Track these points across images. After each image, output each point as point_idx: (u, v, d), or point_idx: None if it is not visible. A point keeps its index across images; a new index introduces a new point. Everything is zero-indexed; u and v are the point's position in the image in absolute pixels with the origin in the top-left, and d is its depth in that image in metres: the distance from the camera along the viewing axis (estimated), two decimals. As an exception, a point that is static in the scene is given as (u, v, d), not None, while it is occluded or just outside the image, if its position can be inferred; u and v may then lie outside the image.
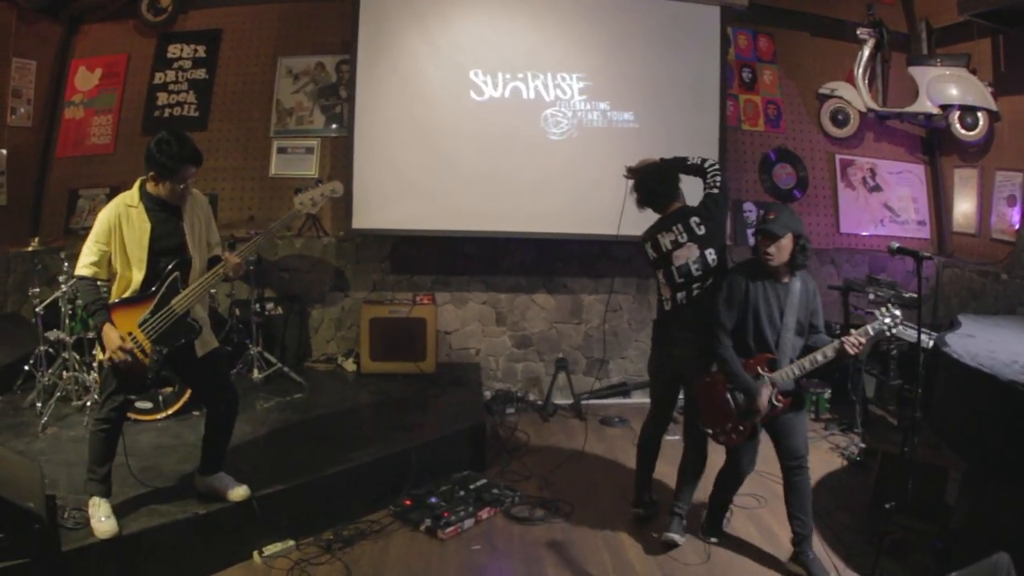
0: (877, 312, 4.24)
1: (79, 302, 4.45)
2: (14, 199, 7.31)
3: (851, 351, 4.16)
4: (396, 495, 5.20)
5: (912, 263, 3.96)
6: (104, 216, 4.06)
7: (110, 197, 7.40)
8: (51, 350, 5.87)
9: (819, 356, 4.25)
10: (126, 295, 4.10)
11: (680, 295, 4.70)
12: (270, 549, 4.50)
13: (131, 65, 7.67)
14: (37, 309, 5.74)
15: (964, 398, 4.30)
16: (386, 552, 4.68)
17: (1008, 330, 5.22)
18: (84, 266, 4.03)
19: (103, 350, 4.04)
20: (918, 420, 4.26)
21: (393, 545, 4.76)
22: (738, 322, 4.40)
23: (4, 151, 7.17)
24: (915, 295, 6.56)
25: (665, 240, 4.72)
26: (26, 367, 6.00)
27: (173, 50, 7.62)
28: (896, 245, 4.13)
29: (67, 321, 5.77)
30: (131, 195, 4.13)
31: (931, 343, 4.90)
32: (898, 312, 4.20)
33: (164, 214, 4.15)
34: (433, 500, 5.19)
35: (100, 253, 4.04)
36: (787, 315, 4.34)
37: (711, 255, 4.65)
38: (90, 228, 4.07)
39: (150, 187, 4.12)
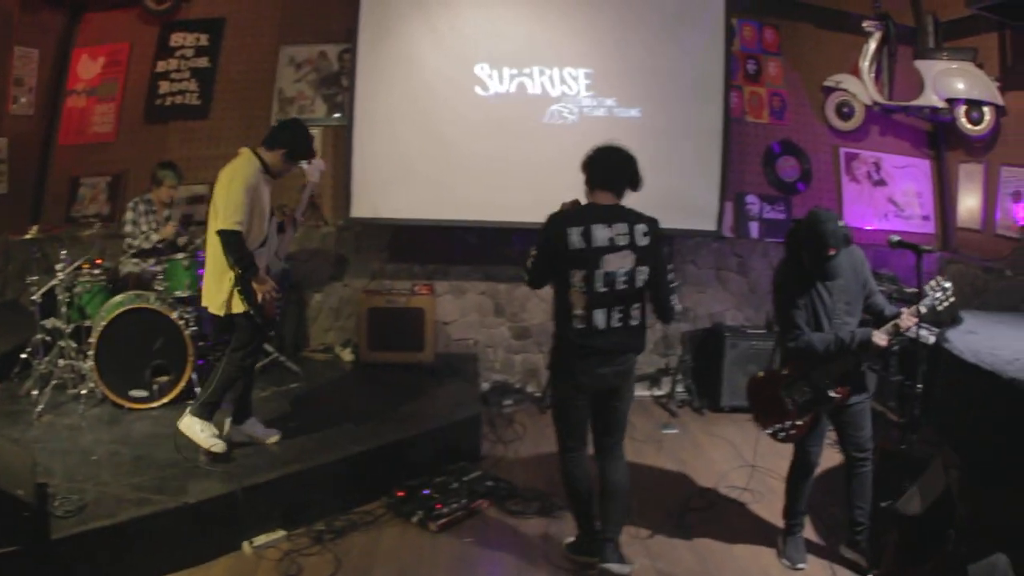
0: (927, 287, 4.02)
1: (231, 258, 4.59)
2: (15, 187, 7.11)
3: (903, 329, 4.01)
4: (390, 486, 5.04)
5: (914, 258, 3.75)
6: (244, 179, 4.53)
7: (112, 186, 7.39)
8: (48, 338, 5.74)
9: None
10: (255, 248, 4.64)
11: (599, 315, 3.91)
12: (261, 539, 4.39)
13: (133, 54, 7.44)
14: (34, 297, 5.61)
15: (964, 396, 4.15)
16: (377, 544, 4.54)
17: (1011, 327, 5.03)
18: (237, 222, 4.47)
19: (251, 300, 4.60)
20: (917, 417, 4.08)
21: (385, 537, 4.62)
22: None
23: (5, 139, 6.96)
24: (916, 290, 6.36)
25: (600, 234, 3.89)
26: (23, 355, 5.88)
27: (176, 39, 7.39)
28: (896, 238, 3.99)
29: (64, 309, 5.64)
30: (255, 162, 4.66)
31: (932, 339, 4.70)
32: (948, 284, 4.01)
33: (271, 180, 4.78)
34: (426, 492, 5.03)
35: (247, 212, 4.53)
36: (836, 297, 4.11)
37: (642, 275, 3.93)
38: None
39: (268, 158, 4.70)
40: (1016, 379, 3.66)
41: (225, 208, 4.48)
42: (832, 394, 4.14)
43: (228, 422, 4.98)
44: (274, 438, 5.02)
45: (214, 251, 4.61)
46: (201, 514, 4.18)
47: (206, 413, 4.73)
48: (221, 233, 4.48)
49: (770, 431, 4.36)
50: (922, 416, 5.77)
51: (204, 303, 4.83)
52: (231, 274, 4.57)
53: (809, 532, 4.68)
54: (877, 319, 4.24)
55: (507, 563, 4.43)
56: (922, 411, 5.80)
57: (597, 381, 4.02)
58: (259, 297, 4.63)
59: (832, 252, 3.92)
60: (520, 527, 4.84)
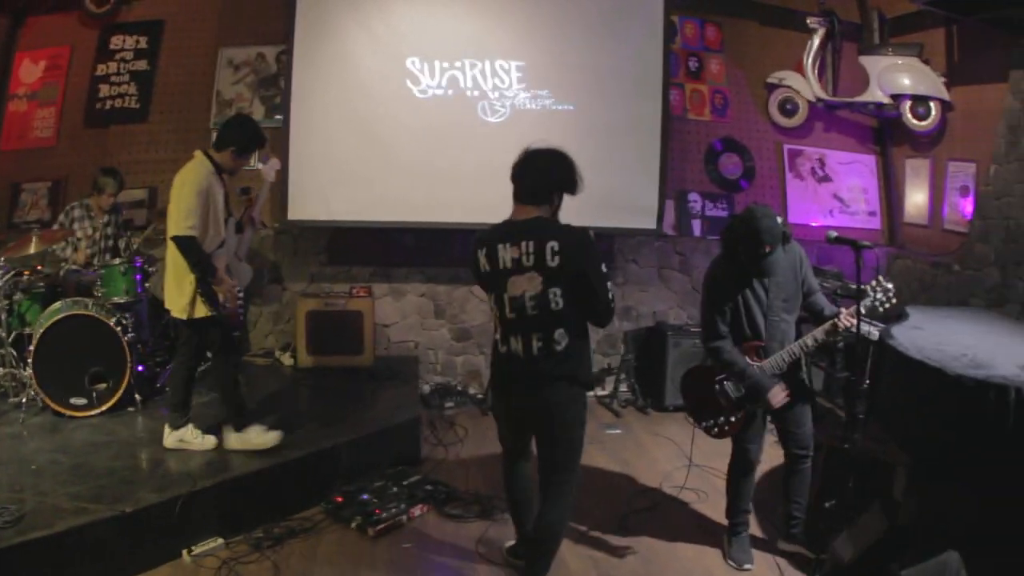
0: (868, 287, 4.03)
1: (188, 262, 4.62)
2: (-45, 194, 6.99)
3: (841, 328, 4.04)
4: (328, 492, 4.94)
5: (864, 254, 3.69)
6: (195, 183, 4.54)
7: (52, 191, 7.26)
8: None
9: (809, 340, 4.07)
10: (212, 250, 4.68)
11: (514, 341, 3.61)
12: (199, 547, 4.30)
13: (74, 57, 7.32)
14: None
15: (910, 392, 4.03)
16: (316, 550, 4.45)
17: (958, 322, 4.95)
18: (190, 227, 4.49)
19: (212, 302, 4.62)
20: (862, 415, 4.00)
21: (323, 543, 4.53)
22: (731, 318, 4.15)
23: (-55, 146, 6.84)
24: (856, 286, 6.30)
25: (504, 254, 3.58)
26: None
27: (115, 41, 7.28)
28: (834, 234, 3.88)
29: (4, 316, 5.52)
30: (207, 164, 4.67)
31: (877, 335, 4.64)
32: (890, 286, 4.04)
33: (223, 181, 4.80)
34: (365, 496, 4.93)
35: (200, 215, 4.53)
36: (773, 295, 4.09)
37: (556, 297, 3.51)
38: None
39: (219, 158, 4.70)
40: (963, 376, 3.57)
41: (177, 213, 4.51)
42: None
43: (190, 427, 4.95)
44: (212, 442, 4.95)
45: (173, 256, 4.61)
46: (138, 523, 4.09)
47: (239, 423, 4.88)
48: (175, 239, 4.51)
49: (703, 426, 4.33)
50: (867, 413, 5.73)
51: (167, 307, 4.82)
52: (191, 277, 4.58)
53: (756, 531, 4.62)
54: (816, 318, 4.22)
55: (446, 568, 4.35)
56: (867, 408, 5.76)
57: (522, 411, 3.76)
58: (220, 298, 4.68)
59: (768, 249, 3.86)
60: (460, 531, 4.75)
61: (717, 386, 4.22)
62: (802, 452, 4.26)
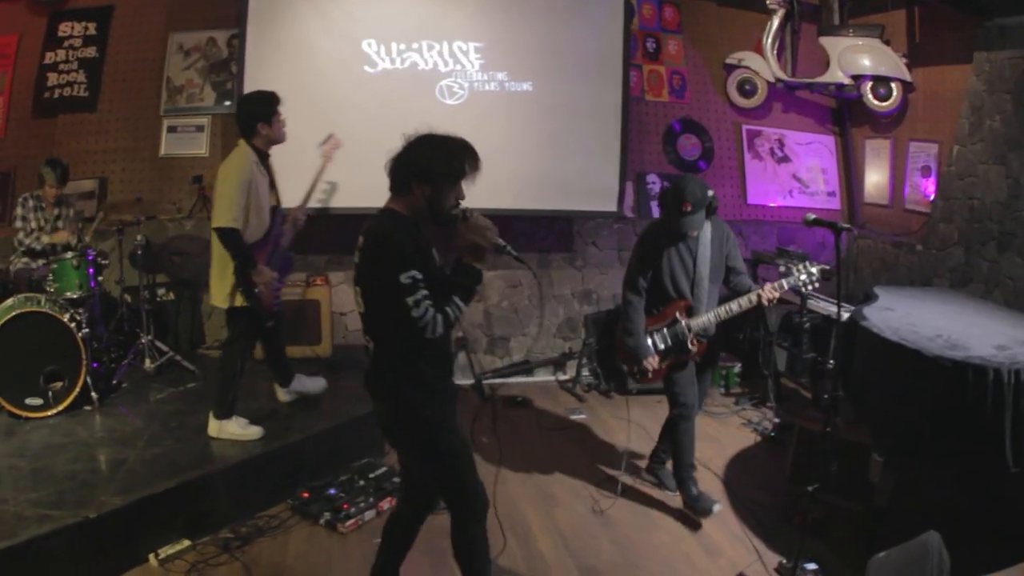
0: (794, 268, 4.37)
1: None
2: (-99, 188, 6.69)
3: (765, 302, 4.31)
4: (293, 487, 4.78)
5: (823, 234, 3.58)
6: (238, 175, 4.55)
7: (0, 184, 6.97)
8: None
9: (734, 306, 4.39)
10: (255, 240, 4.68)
11: (368, 346, 3.24)
12: (166, 551, 4.12)
13: (22, 45, 7.02)
14: None
15: (886, 374, 3.99)
16: (285, 548, 4.29)
17: (926, 303, 4.91)
18: (233, 219, 4.49)
19: (249, 294, 4.63)
20: (839, 397, 3.93)
21: (292, 541, 4.36)
22: (656, 277, 4.45)
23: None
24: (826, 267, 6.21)
25: (356, 254, 3.16)
26: None
27: (64, 28, 7.00)
28: (812, 216, 3.87)
29: None
30: (250, 155, 4.65)
31: (847, 316, 4.60)
32: (815, 269, 4.34)
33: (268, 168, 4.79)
34: (332, 491, 4.79)
35: (242, 207, 4.54)
36: (699, 265, 4.40)
37: (358, 297, 3.15)
38: None
39: (258, 143, 4.68)
40: (940, 357, 3.57)
41: (219, 205, 4.54)
42: (690, 345, 4.44)
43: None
44: (321, 384, 5.47)
45: (217, 245, 4.64)
46: (103, 528, 3.91)
47: (226, 411, 4.83)
48: (217, 231, 4.55)
49: (630, 371, 4.62)
50: (832, 394, 5.61)
51: (211, 295, 4.85)
52: (233, 267, 4.61)
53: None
54: (732, 294, 4.53)
55: (419, 561, 4.15)
56: (832, 388, 5.64)
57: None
58: (258, 289, 4.66)
59: (688, 207, 4.14)
60: (429, 523, 4.50)
61: (648, 337, 4.47)
62: (683, 409, 4.56)
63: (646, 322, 4.49)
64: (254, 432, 4.84)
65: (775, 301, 4.29)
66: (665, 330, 4.46)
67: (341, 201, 6.58)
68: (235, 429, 4.82)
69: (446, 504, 3.31)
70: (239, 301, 4.70)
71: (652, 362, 4.44)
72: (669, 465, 4.91)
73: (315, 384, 5.46)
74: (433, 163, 3.00)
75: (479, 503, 3.27)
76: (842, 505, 4.42)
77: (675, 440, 4.61)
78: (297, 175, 6.44)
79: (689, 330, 4.40)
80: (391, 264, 2.89)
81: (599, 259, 7.16)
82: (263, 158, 4.76)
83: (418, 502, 3.52)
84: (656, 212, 7.07)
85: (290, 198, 6.48)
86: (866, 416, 4.42)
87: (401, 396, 3.10)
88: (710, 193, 4.23)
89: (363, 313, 3.13)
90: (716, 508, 4.48)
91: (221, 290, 4.72)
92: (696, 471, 4.66)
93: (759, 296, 4.29)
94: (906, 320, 4.24)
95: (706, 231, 4.37)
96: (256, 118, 4.64)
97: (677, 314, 4.43)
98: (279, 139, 4.76)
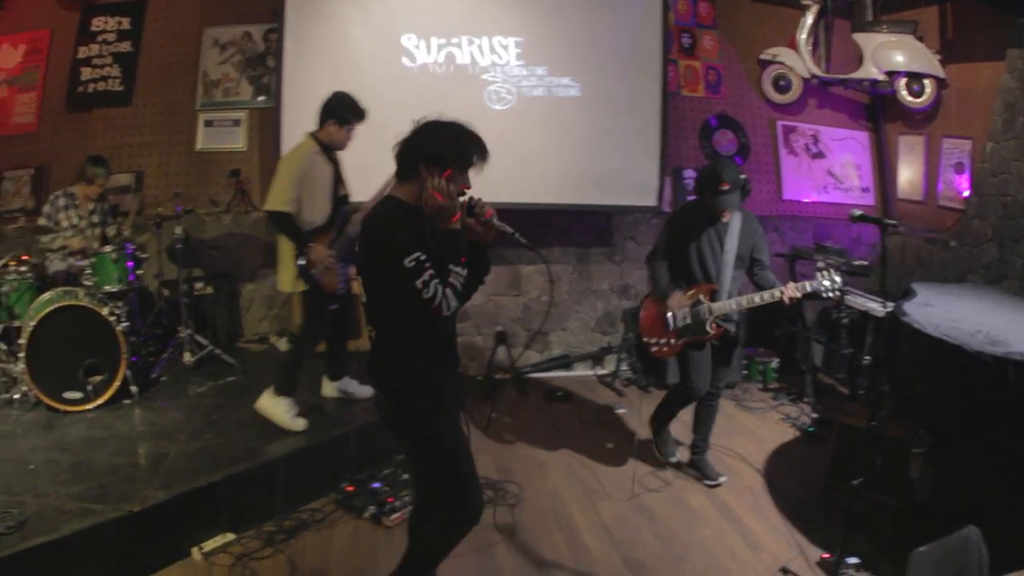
0: (819, 273, 4.40)
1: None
2: (-66, 183, 6.66)
3: (786, 300, 4.38)
4: (337, 481, 4.74)
5: (859, 230, 3.56)
6: (293, 164, 4.79)
7: (35, 178, 6.94)
8: None
9: (756, 297, 4.49)
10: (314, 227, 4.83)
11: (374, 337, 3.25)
12: (210, 544, 4.08)
13: (54, 40, 7.02)
14: None
15: (927, 370, 3.99)
16: (330, 542, 4.25)
17: (963, 299, 4.92)
18: (283, 201, 4.71)
19: (305, 276, 4.78)
20: (885, 392, 3.92)
21: (337, 535, 4.32)
22: (684, 257, 4.64)
23: (-77, 134, 6.51)
24: (864, 263, 6.23)
25: (357, 243, 3.19)
26: None
27: (97, 23, 6.98)
28: (858, 212, 3.91)
29: None
30: (310, 146, 4.87)
31: (886, 312, 4.63)
32: (839, 278, 4.38)
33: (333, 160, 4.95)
34: (376, 485, 4.75)
35: (296, 194, 4.76)
36: (727, 251, 4.56)
37: (362, 286, 3.14)
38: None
39: (323, 136, 4.89)
40: (982, 352, 3.56)
41: (272, 190, 4.78)
42: (708, 327, 4.59)
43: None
44: (367, 392, 5.37)
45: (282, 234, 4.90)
46: (146, 522, 3.87)
47: (286, 390, 4.91)
48: (267, 213, 4.84)
49: (649, 341, 4.83)
50: (869, 390, 5.60)
51: (278, 280, 5.05)
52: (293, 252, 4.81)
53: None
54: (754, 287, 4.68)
55: (466, 557, 4.12)
56: (868, 385, 5.62)
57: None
58: (314, 270, 4.79)
59: (725, 187, 4.34)
60: None
61: (669, 313, 4.67)
62: (713, 390, 4.83)
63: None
64: (298, 424, 4.85)
65: (796, 301, 4.39)
66: (687, 309, 4.62)
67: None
68: (281, 412, 4.86)
69: (436, 503, 3.24)
70: (302, 285, 4.83)
71: (678, 298, 4.62)
72: (709, 455, 5.00)
73: (362, 391, 5.42)
74: (445, 148, 2.90)
75: (471, 511, 3.19)
76: (881, 500, 4.39)
77: (667, 402, 5.06)
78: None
79: (710, 313, 4.56)
80: (394, 251, 2.83)
81: (638, 254, 7.10)
82: (328, 151, 4.90)
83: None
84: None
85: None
86: (907, 411, 4.45)
87: (398, 385, 3.05)
88: (743, 176, 4.44)
89: (365, 302, 3.12)
90: (676, 457, 5.14)
91: (286, 275, 4.90)
92: (664, 435, 5.18)
93: (782, 293, 4.38)
94: (946, 316, 4.23)
95: (736, 220, 4.58)
96: (332, 115, 4.85)
97: (701, 296, 4.60)
98: (338, 145, 4.94)
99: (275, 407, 4.87)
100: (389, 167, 5.87)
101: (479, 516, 3.23)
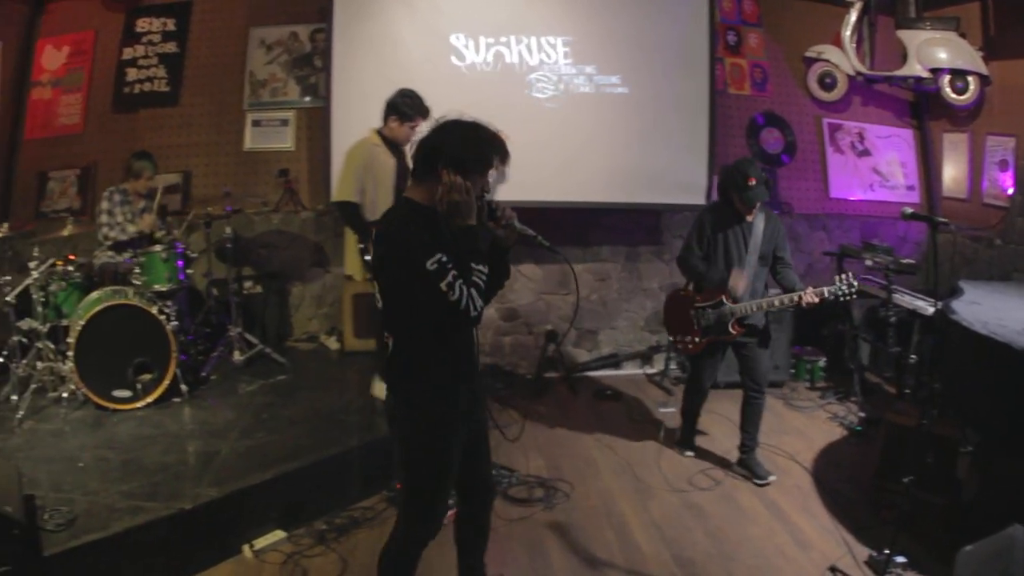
0: (836, 278, 4.47)
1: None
2: (-20, 184, 6.66)
3: (804, 305, 4.51)
4: (388, 479, 4.69)
5: (905, 228, 3.54)
6: (353, 157, 5.01)
7: (81, 178, 6.95)
8: (25, 340, 5.32)
9: (776, 300, 4.62)
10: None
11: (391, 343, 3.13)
12: (261, 542, 4.07)
13: (99, 42, 7.02)
14: (8, 298, 5.19)
15: (976, 368, 3.97)
16: (382, 540, 4.09)
17: (1010, 297, 4.91)
18: (346, 193, 4.96)
19: (366, 264, 4.99)
20: (935, 390, 3.88)
21: (389, 533, 4.21)
22: (710, 257, 4.82)
23: (-33, 135, 6.50)
24: (912, 261, 6.19)
25: (371, 247, 3.18)
26: (0, 359, 5.46)
27: (142, 24, 6.98)
28: (909, 211, 3.87)
29: (40, 309, 5.24)
30: (371, 139, 5.07)
31: (934, 310, 4.67)
32: (856, 283, 4.45)
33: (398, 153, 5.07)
34: None
35: (357, 185, 4.97)
36: (751, 251, 4.73)
37: (376, 292, 2.98)
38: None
39: (387, 132, 5.06)
40: None
41: (337, 182, 5.11)
42: (730, 328, 4.74)
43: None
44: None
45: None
46: (197, 520, 3.86)
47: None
48: (333, 204, 5.19)
49: (674, 338, 5.06)
50: (915, 388, 5.55)
51: (346, 265, 5.43)
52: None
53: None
54: (783, 291, 4.76)
55: (517, 555, 4.12)
56: (915, 383, 5.58)
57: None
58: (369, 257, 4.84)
59: (753, 181, 4.53)
60: (526, 515, 4.53)
61: (692, 311, 4.88)
62: (755, 388, 4.93)
63: (696, 298, 4.90)
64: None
65: (813, 306, 4.49)
66: (710, 309, 4.78)
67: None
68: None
69: (399, 510, 3.19)
70: (366, 274, 5.06)
71: (739, 276, 4.68)
72: (759, 454, 5.01)
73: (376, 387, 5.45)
74: (465, 149, 2.77)
75: (428, 529, 3.12)
76: (928, 499, 4.34)
77: (686, 400, 5.30)
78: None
79: (732, 314, 4.69)
80: (414, 254, 2.70)
81: (687, 252, 7.10)
82: (391, 145, 5.06)
83: (471, 498, 3.37)
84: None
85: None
86: (956, 409, 4.39)
87: (407, 387, 2.96)
88: (764, 174, 4.69)
89: (382, 308, 2.94)
90: (691, 453, 5.34)
91: (352, 263, 5.26)
92: (684, 429, 5.41)
93: (800, 298, 4.50)
94: (993, 314, 4.20)
95: (760, 220, 4.73)
96: (394, 111, 5.01)
97: (723, 297, 4.71)
98: (400, 140, 5.05)
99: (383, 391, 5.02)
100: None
101: (432, 536, 3.15)
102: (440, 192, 2.74)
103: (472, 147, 2.78)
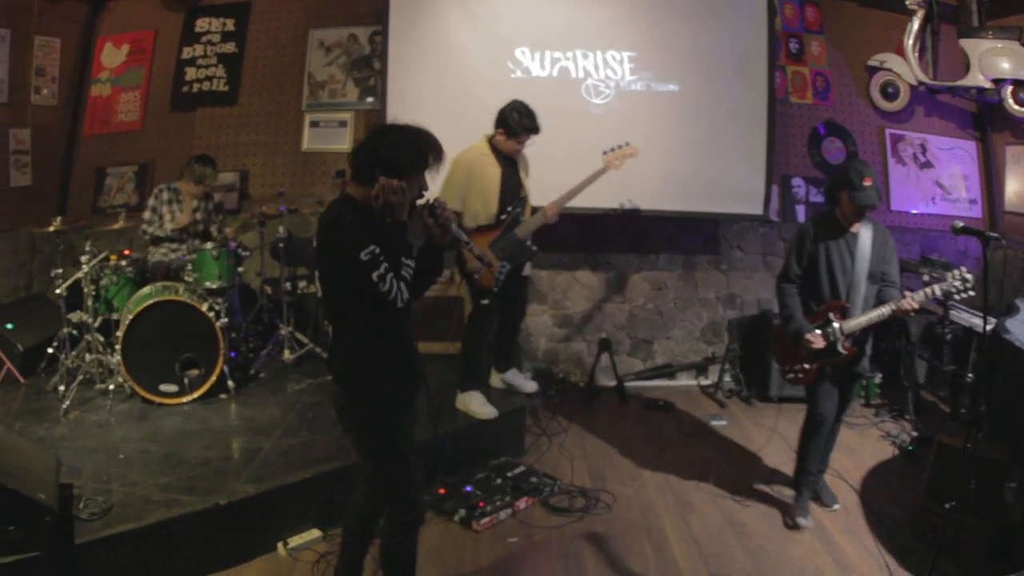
0: (948, 274, 4.20)
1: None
2: (40, 179, 6.70)
3: (900, 314, 4.17)
4: (430, 483, 4.65)
5: (965, 243, 3.42)
6: (456, 164, 4.86)
7: (139, 175, 6.98)
8: (75, 332, 5.42)
9: (884, 310, 4.21)
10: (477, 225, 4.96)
11: (332, 332, 3.39)
12: (296, 540, 4.08)
13: (158, 40, 7.06)
14: (59, 290, 5.27)
15: None
16: (419, 543, 4.12)
17: None
18: (452, 199, 4.79)
19: (463, 271, 5.08)
20: (983, 413, 3.75)
21: (426, 536, 4.20)
22: (813, 274, 4.36)
23: (28, 130, 6.53)
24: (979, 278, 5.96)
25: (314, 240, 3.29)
26: (49, 350, 5.59)
27: (201, 24, 7.01)
28: (960, 224, 3.69)
29: (90, 302, 5.28)
30: (480, 146, 5.00)
31: (989, 329, 4.33)
32: (969, 276, 4.13)
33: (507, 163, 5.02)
34: (468, 488, 4.70)
35: (459, 192, 4.90)
36: (858, 265, 4.28)
37: (317, 280, 3.28)
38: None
39: (497, 142, 4.97)
40: None
41: (441, 188, 4.83)
42: (840, 348, 4.29)
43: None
44: (532, 388, 5.68)
45: None
46: (233, 515, 3.86)
47: (470, 384, 5.20)
48: None
49: (783, 369, 4.60)
50: (971, 408, 5.39)
51: None
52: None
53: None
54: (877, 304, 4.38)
55: (553, 564, 4.08)
56: (971, 403, 5.41)
57: None
58: (469, 266, 4.92)
59: (868, 181, 4.11)
60: (566, 526, 4.47)
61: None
62: (844, 413, 4.63)
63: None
64: (489, 412, 5.14)
65: (912, 313, 4.18)
66: (818, 331, 4.32)
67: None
68: (474, 406, 5.13)
69: (382, 505, 3.26)
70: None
71: (815, 337, 4.28)
72: (827, 479, 4.82)
73: (527, 384, 5.66)
74: (399, 153, 2.92)
75: (412, 514, 3.21)
76: (973, 523, 4.22)
77: (803, 445, 4.57)
78: (444, 172, 6.37)
79: (842, 333, 4.28)
80: (350, 245, 2.86)
81: (744, 263, 6.94)
82: (500, 154, 4.98)
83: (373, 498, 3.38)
84: (802, 216, 6.88)
85: (431, 193, 6.40)
86: (1006, 432, 4.22)
87: (351, 376, 3.07)
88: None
89: (322, 298, 3.17)
90: (805, 522, 4.46)
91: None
92: (814, 478, 4.63)
93: (892, 310, 4.18)
94: None
95: (866, 232, 4.30)
96: (502, 124, 4.92)
97: (831, 315, 4.31)
98: (506, 150, 4.98)
99: (467, 403, 5.15)
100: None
101: (419, 520, 3.25)
102: (375, 191, 2.88)
103: (406, 151, 2.92)
